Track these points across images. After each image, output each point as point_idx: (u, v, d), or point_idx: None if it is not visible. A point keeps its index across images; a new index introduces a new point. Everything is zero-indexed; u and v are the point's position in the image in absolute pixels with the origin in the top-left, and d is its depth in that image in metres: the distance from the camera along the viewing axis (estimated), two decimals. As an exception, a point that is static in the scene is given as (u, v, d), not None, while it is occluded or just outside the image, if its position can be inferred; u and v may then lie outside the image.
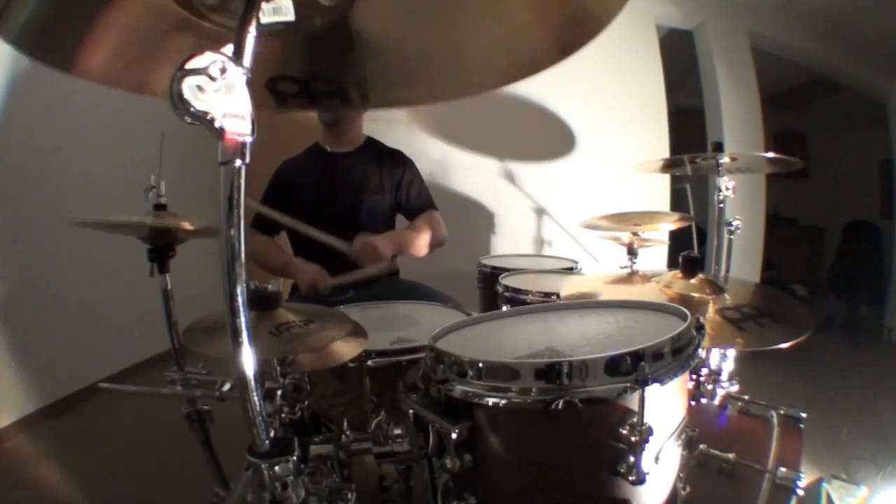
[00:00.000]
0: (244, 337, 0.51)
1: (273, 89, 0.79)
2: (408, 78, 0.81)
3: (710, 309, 0.96)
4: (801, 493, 0.82)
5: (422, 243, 1.69)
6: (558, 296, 1.27)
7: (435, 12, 0.69)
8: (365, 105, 0.86)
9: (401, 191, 1.77)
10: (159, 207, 1.07)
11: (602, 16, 0.63)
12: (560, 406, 0.57)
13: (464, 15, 0.68)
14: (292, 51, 0.74)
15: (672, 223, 1.56)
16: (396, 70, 0.79)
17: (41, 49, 0.65)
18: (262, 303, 0.88)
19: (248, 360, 0.51)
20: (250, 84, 0.49)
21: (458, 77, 0.80)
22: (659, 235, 1.92)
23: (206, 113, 0.46)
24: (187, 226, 1.04)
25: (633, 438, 0.57)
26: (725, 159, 1.40)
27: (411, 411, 0.69)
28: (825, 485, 1.07)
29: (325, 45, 0.72)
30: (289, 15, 0.55)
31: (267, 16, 0.53)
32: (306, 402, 0.91)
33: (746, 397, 1.13)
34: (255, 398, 0.52)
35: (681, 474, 0.68)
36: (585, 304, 0.95)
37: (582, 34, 0.66)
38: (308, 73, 0.79)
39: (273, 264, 1.62)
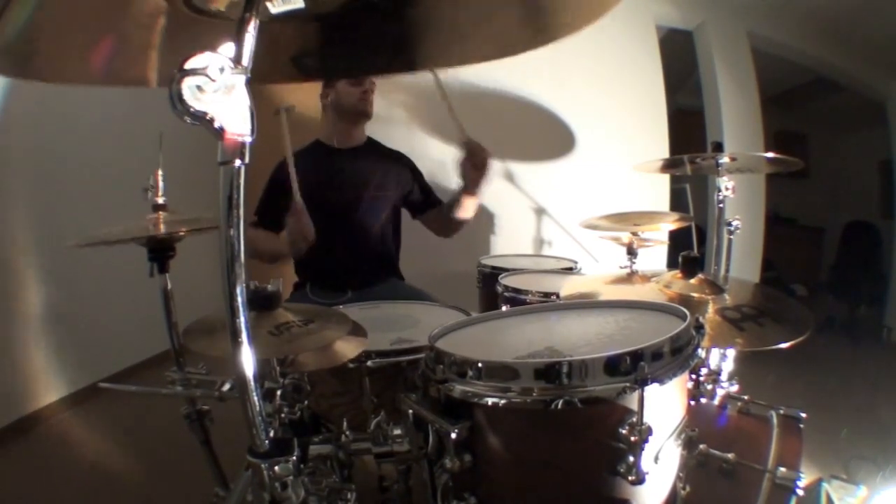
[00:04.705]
0: (244, 337, 0.51)
1: (298, 65, 0.79)
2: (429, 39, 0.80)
3: (710, 309, 0.96)
4: (800, 493, 0.82)
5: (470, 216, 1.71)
6: (558, 296, 1.26)
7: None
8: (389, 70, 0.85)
9: (411, 188, 1.82)
10: (158, 207, 1.07)
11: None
12: (560, 406, 0.57)
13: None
14: (307, 29, 0.73)
15: (672, 223, 1.56)
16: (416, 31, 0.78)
17: (25, 68, 0.65)
18: (261, 303, 0.88)
19: (248, 360, 0.51)
20: (250, 83, 0.49)
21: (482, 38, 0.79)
22: (659, 235, 1.92)
23: (205, 113, 0.46)
24: (186, 228, 1.04)
25: (632, 438, 0.57)
26: (725, 159, 1.40)
27: (411, 411, 0.69)
28: (825, 485, 1.07)
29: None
30: (298, 2, 0.55)
31: (277, 6, 0.54)
32: (306, 402, 0.91)
33: (746, 397, 1.12)
34: (255, 398, 0.52)
35: (680, 474, 0.68)
36: (585, 304, 0.95)
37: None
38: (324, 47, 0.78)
39: (266, 248, 1.59)
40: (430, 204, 1.84)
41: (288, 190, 1.68)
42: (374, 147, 1.83)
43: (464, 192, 1.59)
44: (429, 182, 1.88)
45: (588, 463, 0.61)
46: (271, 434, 0.55)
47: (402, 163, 1.84)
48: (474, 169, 1.51)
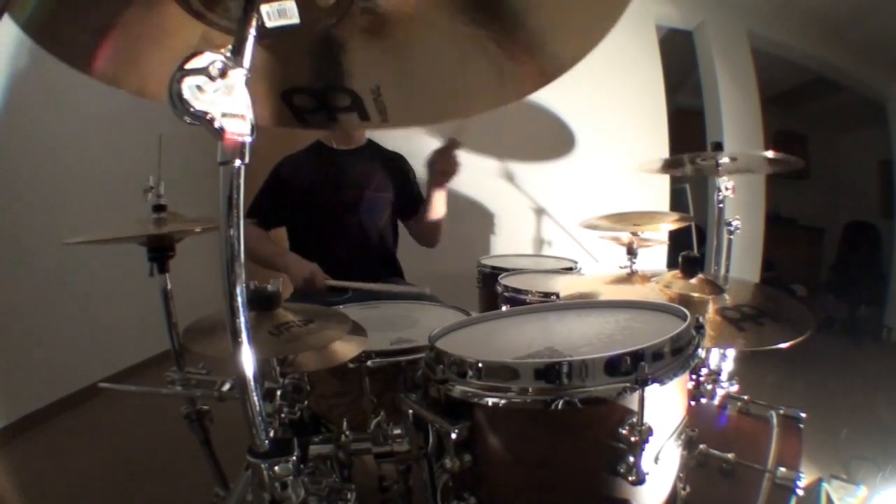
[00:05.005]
0: (244, 337, 0.51)
1: (290, 104, 0.78)
2: (419, 97, 0.81)
3: (710, 309, 0.96)
4: (800, 493, 0.82)
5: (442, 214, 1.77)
6: (558, 296, 1.26)
7: (415, 58, 0.71)
8: (384, 123, 0.85)
9: (405, 190, 1.83)
10: (158, 208, 1.07)
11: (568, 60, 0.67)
12: (560, 406, 0.57)
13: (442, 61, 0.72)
14: (302, 61, 0.73)
15: (672, 223, 1.56)
16: (409, 87, 0.79)
17: (49, 39, 0.64)
18: (261, 303, 0.88)
19: (248, 360, 0.51)
20: (250, 84, 0.49)
21: (459, 100, 0.84)
22: (659, 235, 1.92)
23: (205, 113, 0.46)
24: (184, 227, 1.04)
25: (632, 438, 0.57)
26: (725, 159, 1.40)
27: (411, 411, 0.69)
28: (825, 485, 1.08)
29: (332, 55, 0.72)
30: (293, 17, 0.55)
31: (272, 19, 0.53)
32: (306, 402, 0.91)
33: (746, 397, 1.13)
34: (255, 398, 0.52)
35: (680, 474, 0.68)
36: (585, 304, 0.95)
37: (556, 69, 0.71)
38: (322, 85, 0.78)
39: (263, 254, 1.61)
40: (416, 211, 1.83)
41: (288, 189, 1.69)
42: (374, 149, 1.85)
43: (433, 187, 1.66)
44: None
45: (588, 463, 0.61)
46: (271, 434, 0.55)
47: (399, 165, 1.85)
48: (448, 162, 1.61)
